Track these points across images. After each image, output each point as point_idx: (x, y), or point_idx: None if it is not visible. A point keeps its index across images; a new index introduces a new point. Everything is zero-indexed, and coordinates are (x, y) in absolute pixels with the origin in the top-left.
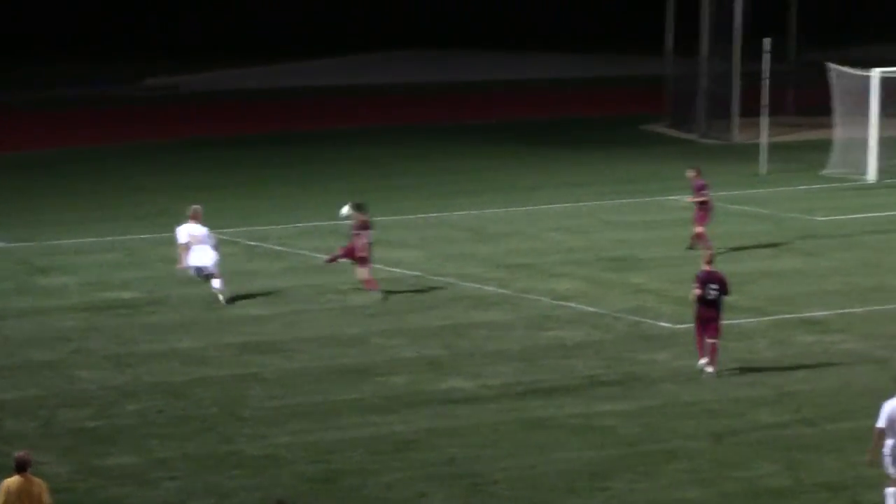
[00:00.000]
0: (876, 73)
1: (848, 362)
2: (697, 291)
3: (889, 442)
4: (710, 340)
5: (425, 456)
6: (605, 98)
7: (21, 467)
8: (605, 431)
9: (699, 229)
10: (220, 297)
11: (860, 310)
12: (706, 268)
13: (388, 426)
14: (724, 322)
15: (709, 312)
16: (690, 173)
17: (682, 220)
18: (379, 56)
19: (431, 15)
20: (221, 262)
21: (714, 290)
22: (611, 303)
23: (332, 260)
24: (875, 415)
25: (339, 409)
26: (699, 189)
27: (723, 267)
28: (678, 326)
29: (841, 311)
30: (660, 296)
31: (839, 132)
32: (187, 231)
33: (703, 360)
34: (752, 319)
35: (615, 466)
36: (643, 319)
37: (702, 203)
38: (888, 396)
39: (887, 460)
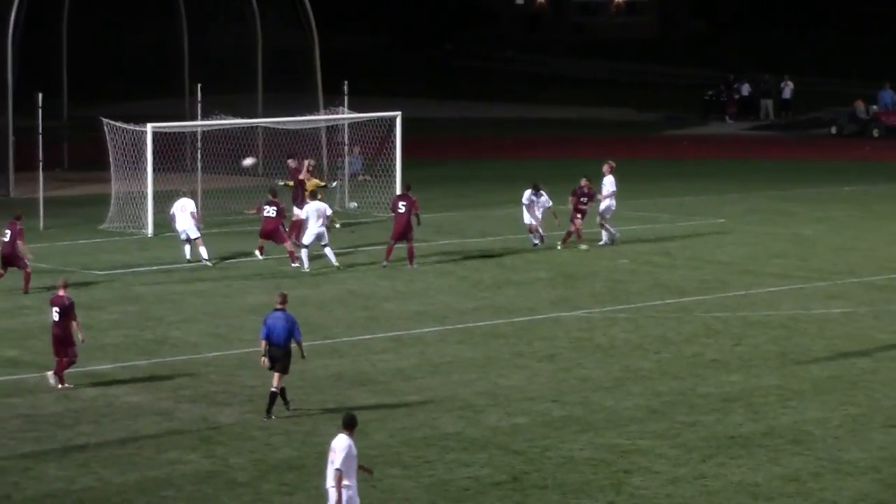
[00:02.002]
0: (149, 128)
1: (133, 414)
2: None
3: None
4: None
5: None
6: None
7: None
8: None
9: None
10: None
11: (143, 362)
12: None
13: None
14: (13, 378)
15: (56, 329)
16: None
17: None
18: None
19: None
20: None
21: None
22: None
23: None
24: None
25: None
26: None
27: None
28: None
29: (124, 364)
30: None
31: (116, 186)
32: None
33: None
34: (35, 374)
35: None
36: None
37: None
38: None
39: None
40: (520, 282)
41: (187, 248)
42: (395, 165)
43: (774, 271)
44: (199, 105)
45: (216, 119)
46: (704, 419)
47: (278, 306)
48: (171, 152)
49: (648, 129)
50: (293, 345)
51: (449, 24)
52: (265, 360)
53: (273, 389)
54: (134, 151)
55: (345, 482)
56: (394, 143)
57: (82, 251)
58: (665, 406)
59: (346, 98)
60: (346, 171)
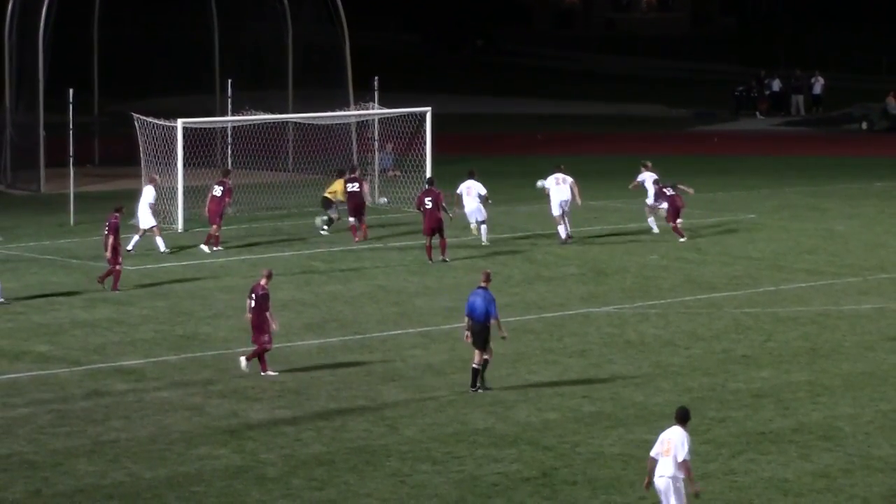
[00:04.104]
0: (180, 124)
1: (163, 410)
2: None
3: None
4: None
5: None
6: None
7: None
8: None
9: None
10: None
11: (173, 358)
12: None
13: None
14: (44, 373)
15: (252, 315)
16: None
17: None
18: None
19: None
20: None
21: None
22: None
23: None
24: None
25: None
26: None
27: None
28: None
29: (154, 359)
30: None
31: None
32: None
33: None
34: (66, 369)
35: None
36: None
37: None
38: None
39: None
40: (550, 277)
41: (159, 240)
42: (425, 161)
43: (805, 267)
44: (230, 101)
45: (247, 115)
46: (734, 415)
47: (482, 283)
48: (201, 148)
49: (679, 125)
50: (492, 322)
51: (479, 21)
52: (468, 336)
53: (474, 365)
54: (165, 147)
55: (676, 473)
56: (424, 138)
57: None
58: (695, 402)
59: (376, 94)
60: (376, 167)
